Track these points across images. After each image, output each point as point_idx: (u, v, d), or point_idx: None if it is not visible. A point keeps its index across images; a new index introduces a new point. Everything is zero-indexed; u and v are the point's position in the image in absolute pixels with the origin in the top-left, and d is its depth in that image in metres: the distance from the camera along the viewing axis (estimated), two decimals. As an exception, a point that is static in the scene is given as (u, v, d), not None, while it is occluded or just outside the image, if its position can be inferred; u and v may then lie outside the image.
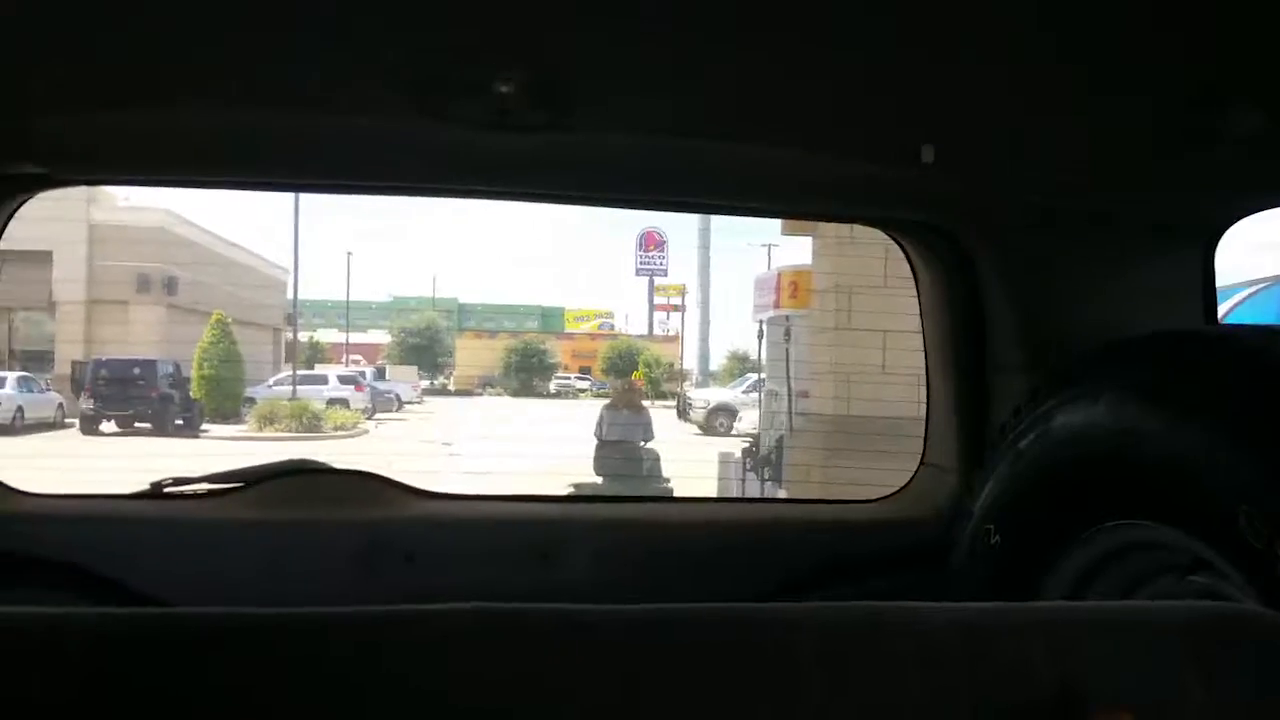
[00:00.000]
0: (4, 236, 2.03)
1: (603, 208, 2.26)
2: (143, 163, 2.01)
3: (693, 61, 1.49)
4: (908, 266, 2.38)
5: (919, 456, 2.46)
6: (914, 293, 2.38)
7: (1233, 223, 1.98)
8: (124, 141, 1.86)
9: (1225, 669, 0.99)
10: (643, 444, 10.12)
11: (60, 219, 15.44)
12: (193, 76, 1.59)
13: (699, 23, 1.35)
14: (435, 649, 0.98)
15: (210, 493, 2.23)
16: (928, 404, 2.41)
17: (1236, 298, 7.93)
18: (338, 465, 2.48)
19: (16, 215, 2.07)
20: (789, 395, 9.74)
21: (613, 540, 2.25)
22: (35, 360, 18.62)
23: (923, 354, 2.36)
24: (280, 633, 0.96)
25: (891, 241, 2.37)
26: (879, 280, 7.76)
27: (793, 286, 10.41)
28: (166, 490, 2.24)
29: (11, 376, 16.37)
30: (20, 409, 15.87)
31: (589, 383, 28.04)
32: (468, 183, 2.07)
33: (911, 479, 2.48)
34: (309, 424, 16.62)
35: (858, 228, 8.04)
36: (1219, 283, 2.05)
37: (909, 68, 1.50)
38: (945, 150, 1.71)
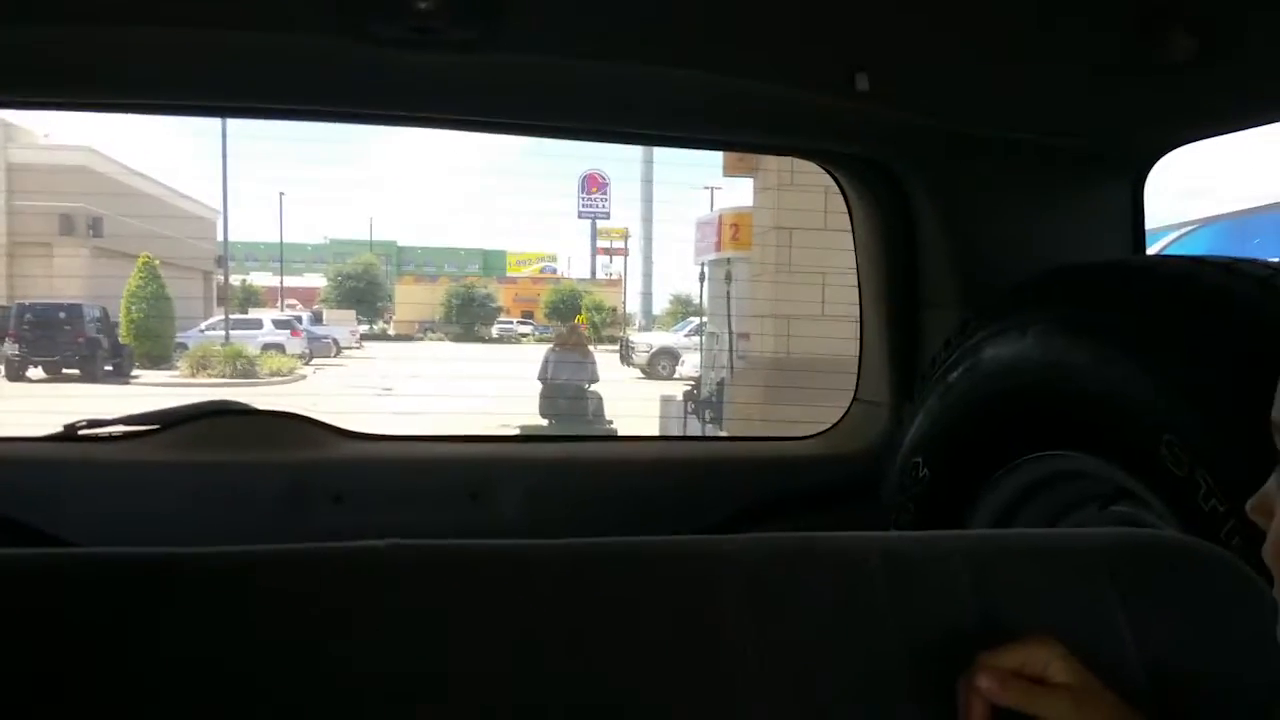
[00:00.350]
0: None
1: (528, 136, 2.19)
2: (45, 84, 1.90)
3: None
4: (842, 212, 2.36)
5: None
6: (851, 235, 2.37)
7: (1164, 153, 1.98)
8: (24, 61, 1.76)
9: (1147, 594, 1.00)
10: (588, 386, 10.06)
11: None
12: None
13: None
14: (354, 584, 0.94)
15: (126, 434, 2.16)
16: (860, 339, 2.41)
17: (1162, 242, 8.10)
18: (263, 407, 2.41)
19: None
20: (729, 337, 9.77)
21: (545, 479, 2.22)
22: (-50, 304, 18.00)
23: (857, 290, 2.36)
24: (197, 571, 0.92)
25: (831, 183, 2.35)
26: (819, 222, 7.76)
27: (734, 229, 10.39)
28: (81, 433, 2.16)
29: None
30: (-61, 354, 15.38)
31: (532, 327, 27.92)
32: (388, 107, 1.99)
33: (844, 415, 2.49)
34: (243, 369, 16.34)
35: (798, 169, 8.01)
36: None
37: None
38: (879, 79, 1.68)
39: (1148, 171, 2.01)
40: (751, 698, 0.91)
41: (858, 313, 2.39)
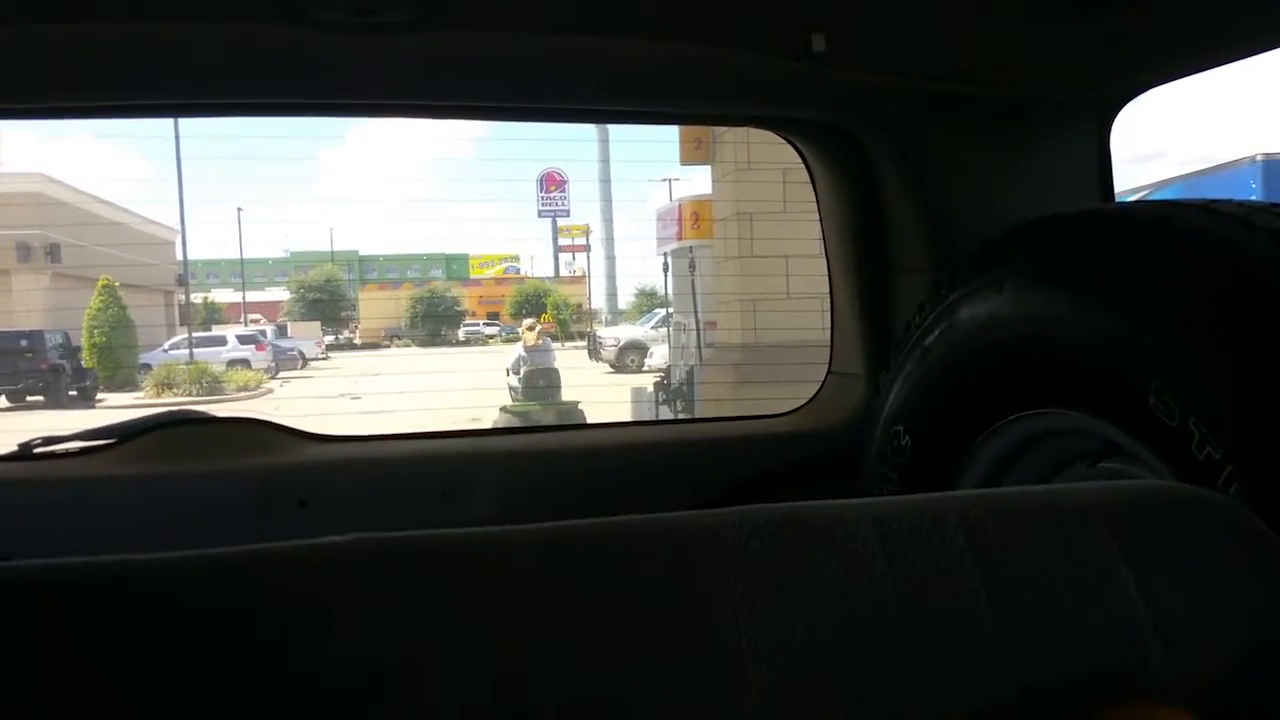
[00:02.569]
0: None
1: (475, 119, 2.13)
2: None
3: None
4: (806, 190, 2.32)
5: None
6: (813, 216, 2.34)
7: (1131, 98, 1.95)
8: None
9: (1151, 547, 0.96)
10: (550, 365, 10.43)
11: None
12: None
13: None
14: (320, 580, 0.89)
15: (82, 450, 2.09)
16: (832, 311, 2.37)
17: (1123, 205, 8.14)
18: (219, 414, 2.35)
19: None
20: (697, 326, 9.75)
21: (518, 471, 2.17)
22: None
23: (825, 272, 2.32)
24: (168, 579, 0.87)
25: (789, 166, 2.31)
26: (779, 206, 7.77)
27: (694, 217, 10.39)
28: (36, 450, 2.09)
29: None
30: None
31: (498, 328, 27.84)
32: (333, 95, 1.93)
33: (819, 389, 2.45)
34: (209, 387, 16.19)
35: (755, 154, 7.98)
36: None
37: None
38: (836, 40, 1.64)
39: (1114, 118, 1.98)
40: (747, 673, 0.86)
41: (822, 296, 2.36)
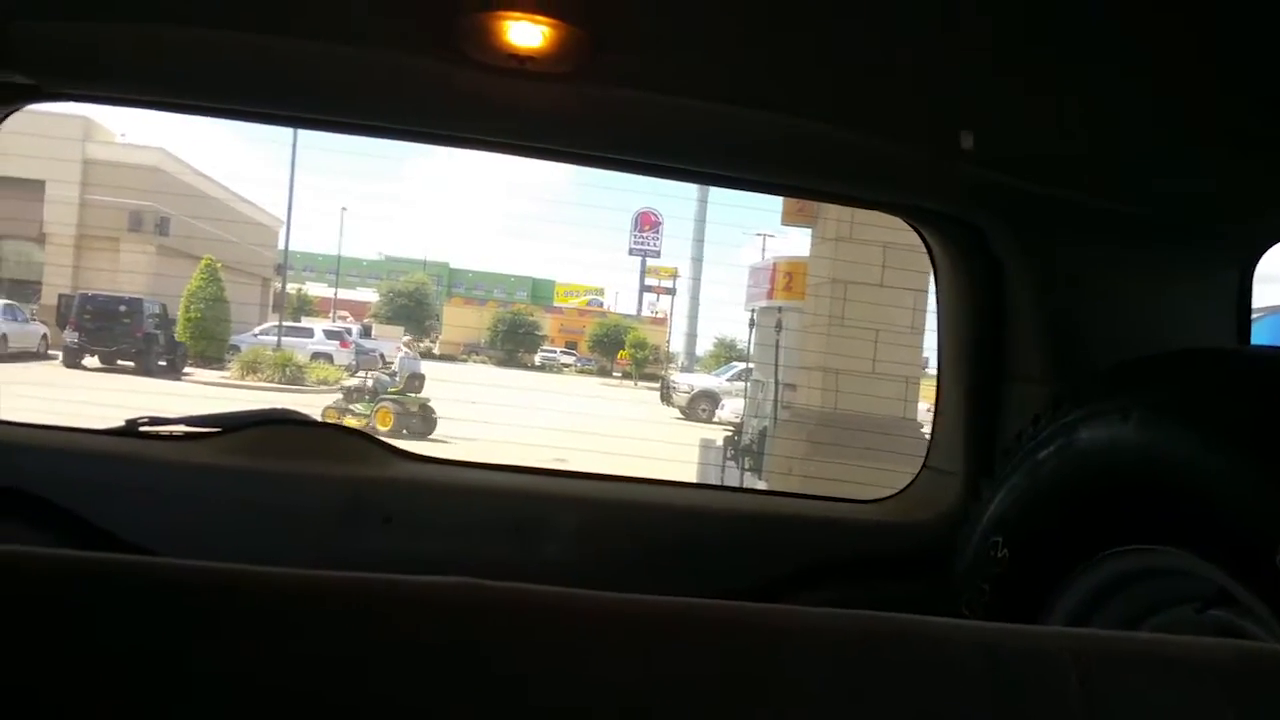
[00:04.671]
0: None
1: (613, 170, 2.16)
2: (133, 81, 1.90)
3: (724, 18, 1.40)
4: (905, 268, 2.30)
5: (910, 458, 2.40)
6: (909, 294, 2.31)
7: (1274, 243, 1.90)
8: (114, 56, 1.76)
9: (1267, 715, 0.92)
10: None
11: (54, 152, 15.26)
12: None
13: None
14: (439, 622, 0.90)
15: (187, 435, 2.15)
16: (936, 404, 2.33)
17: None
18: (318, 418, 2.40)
19: (8, 141, 1.97)
20: (775, 386, 9.68)
21: (593, 519, 2.16)
22: (22, 290, 18.42)
23: (915, 356, 2.29)
24: (272, 592, 0.88)
25: (891, 239, 2.29)
26: (875, 277, 7.69)
27: (787, 277, 10.35)
28: (141, 429, 2.15)
29: (-4, 304, 16.26)
30: (4, 336, 15.75)
31: (574, 358, 28.01)
32: (478, 131, 1.97)
33: (913, 481, 2.41)
34: (291, 376, 16.56)
35: (858, 221, 7.94)
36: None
37: (955, 50, 1.41)
38: (985, 139, 1.63)
39: (1259, 257, 1.93)
40: None
41: (908, 375, 2.32)
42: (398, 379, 14.01)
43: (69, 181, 17.87)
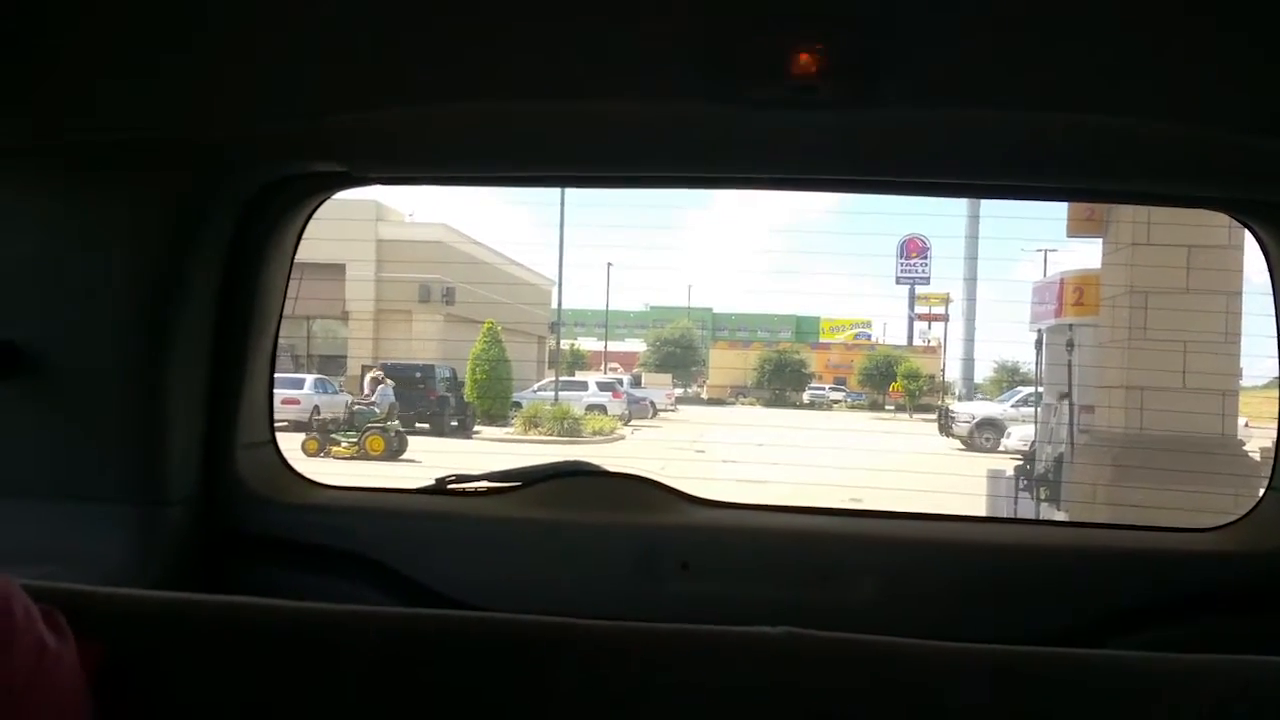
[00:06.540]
0: (302, 253, 2.13)
1: (907, 195, 2.07)
2: (435, 160, 2.04)
3: (1027, 15, 1.30)
4: (1213, 271, 2.06)
5: (1235, 479, 2.13)
6: (1220, 298, 2.06)
7: None
8: (417, 139, 1.89)
9: None
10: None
11: (352, 235, 16.89)
12: (481, 71, 1.57)
13: None
14: (744, 667, 0.87)
15: (490, 490, 2.25)
16: (1279, 419, 2.07)
17: None
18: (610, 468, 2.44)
19: (314, 229, 2.16)
20: (1071, 411, 9.04)
21: (899, 561, 2.07)
22: (329, 364, 20.42)
23: (1231, 366, 2.03)
24: (594, 643, 0.88)
25: (1196, 240, 2.06)
26: (1180, 282, 7.03)
27: (1077, 293, 9.68)
28: (450, 487, 2.28)
29: (310, 379, 18.03)
30: (316, 408, 17.47)
31: (844, 394, 27.53)
32: (761, 170, 1.96)
33: (1256, 505, 2.14)
34: (569, 428, 17.29)
35: (1155, 223, 7.29)
36: None
37: None
38: None
39: None
40: None
41: (1224, 388, 2.06)
42: (378, 410, 15.69)
43: (366, 260, 19.65)
